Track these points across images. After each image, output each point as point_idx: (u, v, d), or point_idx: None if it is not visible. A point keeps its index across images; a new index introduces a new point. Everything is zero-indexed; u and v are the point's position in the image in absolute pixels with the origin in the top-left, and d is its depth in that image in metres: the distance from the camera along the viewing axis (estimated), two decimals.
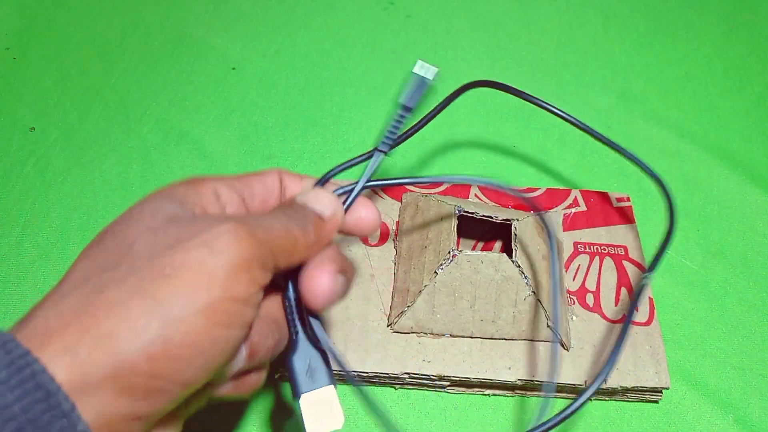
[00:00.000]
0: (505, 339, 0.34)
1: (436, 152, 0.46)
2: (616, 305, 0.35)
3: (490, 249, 0.39)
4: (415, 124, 0.32)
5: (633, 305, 0.33)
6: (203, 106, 0.49)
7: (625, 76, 0.51)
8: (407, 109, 0.28)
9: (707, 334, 0.37)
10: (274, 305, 0.25)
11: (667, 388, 0.33)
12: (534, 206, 0.33)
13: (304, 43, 0.54)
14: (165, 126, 0.47)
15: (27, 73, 0.51)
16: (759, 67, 0.52)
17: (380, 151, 0.28)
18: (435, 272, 0.33)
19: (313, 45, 0.54)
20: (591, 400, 0.34)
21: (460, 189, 0.40)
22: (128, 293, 0.19)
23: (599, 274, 0.37)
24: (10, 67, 0.51)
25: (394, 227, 0.38)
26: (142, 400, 0.19)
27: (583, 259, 0.37)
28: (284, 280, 0.25)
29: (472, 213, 0.35)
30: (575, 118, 0.38)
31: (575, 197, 0.40)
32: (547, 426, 0.27)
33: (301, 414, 0.24)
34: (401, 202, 0.39)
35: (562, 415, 0.27)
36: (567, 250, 0.38)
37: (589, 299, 0.36)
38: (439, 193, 0.40)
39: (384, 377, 0.33)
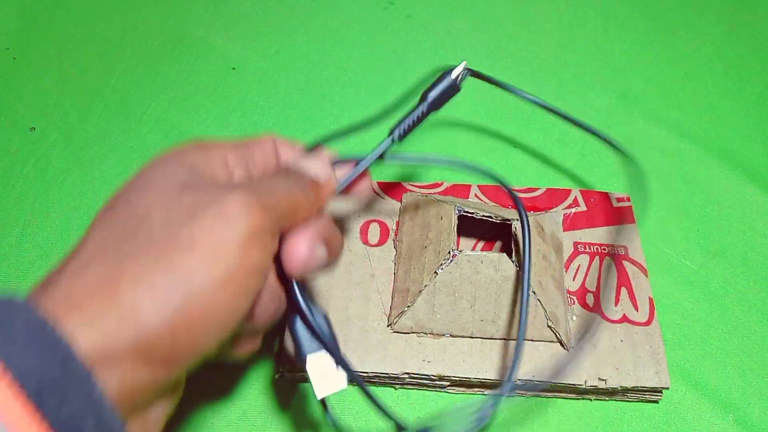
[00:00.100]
0: (505, 339, 0.34)
1: (436, 152, 0.46)
2: (616, 305, 0.35)
3: (490, 249, 0.39)
4: (384, 111, 0.33)
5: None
6: (203, 106, 0.49)
7: (625, 76, 0.51)
8: (430, 105, 0.29)
9: (707, 334, 0.37)
10: (273, 272, 0.25)
11: (667, 388, 0.33)
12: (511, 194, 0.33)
13: (304, 43, 0.54)
14: (165, 126, 0.48)
15: (27, 73, 0.51)
16: (759, 67, 0.52)
17: (392, 137, 0.29)
18: (435, 272, 0.33)
19: (313, 45, 0.54)
20: (591, 400, 0.34)
21: (460, 189, 0.40)
22: (150, 266, 0.19)
23: (599, 274, 0.37)
24: (10, 67, 0.51)
25: (394, 227, 0.38)
26: (161, 369, 0.19)
27: (583, 259, 0.37)
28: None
29: (472, 213, 0.35)
30: (541, 100, 0.37)
31: (575, 197, 0.40)
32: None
33: (308, 374, 0.26)
34: (401, 202, 0.39)
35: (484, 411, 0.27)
36: (567, 250, 0.38)
37: (589, 299, 0.36)
38: (439, 193, 0.40)
39: (384, 377, 0.33)
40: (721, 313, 0.38)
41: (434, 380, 0.33)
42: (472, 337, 0.34)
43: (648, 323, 0.35)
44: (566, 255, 0.37)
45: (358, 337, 0.34)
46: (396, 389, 0.35)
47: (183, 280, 0.19)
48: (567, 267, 0.37)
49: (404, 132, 0.29)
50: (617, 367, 0.33)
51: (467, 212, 0.35)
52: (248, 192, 0.22)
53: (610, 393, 0.34)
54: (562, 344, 0.34)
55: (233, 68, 0.52)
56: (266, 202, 0.22)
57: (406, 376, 0.33)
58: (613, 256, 0.37)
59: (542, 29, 0.55)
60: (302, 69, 0.52)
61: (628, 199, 0.40)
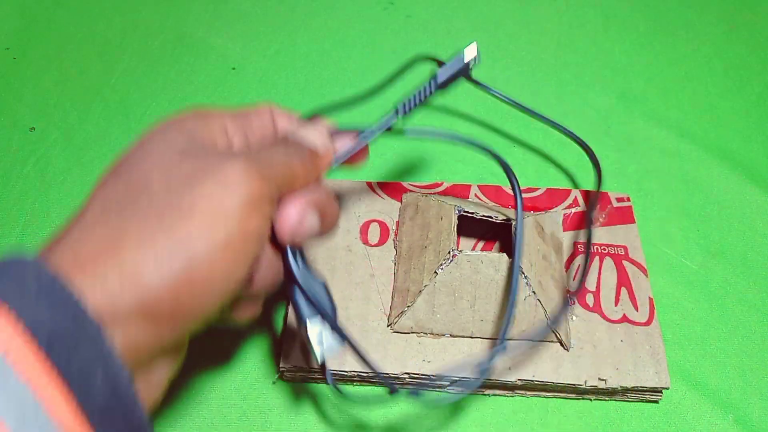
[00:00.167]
0: (505, 339, 0.34)
1: (436, 152, 0.46)
2: (616, 305, 0.35)
3: (490, 249, 0.39)
4: (362, 95, 0.34)
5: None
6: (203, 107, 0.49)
7: (625, 76, 0.51)
8: (438, 84, 0.30)
9: (707, 334, 0.37)
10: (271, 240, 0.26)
11: (667, 388, 0.33)
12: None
13: (304, 43, 0.54)
14: None
15: (27, 73, 0.51)
16: (759, 67, 0.52)
17: (396, 112, 0.30)
18: (435, 272, 0.33)
19: (313, 45, 0.54)
20: (591, 400, 0.34)
21: (460, 189, 0.40)
22: (151, 230, 0.20)
23: (599, 274, 0.37)
24: (10, 67, 0.51)
25: (394, 227, 0.38)
26: (164, 328, 0.20)
27: (583, 259, 0.37)
28: None
29: (472, 213, 0.35)
30: (504, 95, 0.40)
31: (575, 197, 0.40)
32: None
33: (308, 339, 0.26)
34: (401, 202, 0.39)
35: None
36: (567, 250, 0.38)
37: (589, 299, 0.36)
38: (439, 193, 0.40)
39: (384, 377, 0.33)
40: (721, 313, 0.38)
41: (434, 380, 0.33)
42: (472, 337, 0.34)
43: (648, 323, 0.35)
44: (566, 255, 0.37)
45: (358, 337, 0.34)
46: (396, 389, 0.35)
47: (184, 244, 0.20)
48: (567, 267, 0.37)
49: (409, 108, 0.30)
50: (617, 367, 0.33)
51: (467, 212, 0.35)
52: (247, 160, 0.22)
53: (610, 393, 0.34)
54: (562, 344, 0.34)
55: (233, 68, 0.52)
56: (265, 171, 0.22)
57: (406, 376, 0.33)
58: (613, 256, 0.37)
59: (542, 29, 0.55)
60: (302, 69, 0.52)
61: (628, 199, 0.40)
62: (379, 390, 0.35)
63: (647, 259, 0.38)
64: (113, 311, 0.19)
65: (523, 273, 0.33)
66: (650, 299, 0.36)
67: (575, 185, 0.44)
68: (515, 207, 0.31)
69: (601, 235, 0.38)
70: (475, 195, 0.40)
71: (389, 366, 0.33)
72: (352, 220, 0.39)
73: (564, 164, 0.45)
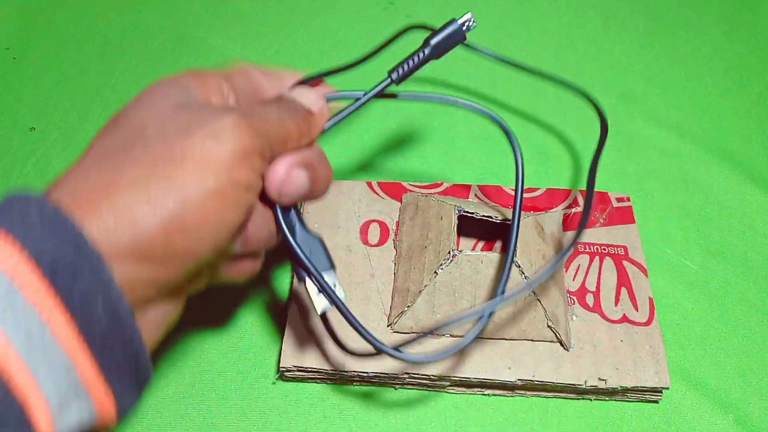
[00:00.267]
0: (505, 339, 0.34)
1: (436, 152, 0.46)
2: (616, 305, 0.35)
3: (490, 249, 0.39)
4: (354, 62, 0.33)
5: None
6: None
7: (625, 76, 0.51)
8: (432, 49, 0.30)
9: (707, 334, 0.37)
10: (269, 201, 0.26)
11: (667, 388, 0.33)
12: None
13: (304, 43, 0.54)
14: None
15: (27, 73, 0.51)
16: (759, 67, 0.52)
17: (390, 77, 0.30)
18: (435, 272, 0.33)
19: (313, 45, 0.54)
20: (591, 400, 0.34)
21: (460, 189, 0.40)
22: (144, 174, 0.21)
23: (599, 274, 0.37)
24: (10, 67, 0.51)
25: (394, 227, 0.38)
26: (158, 267, 0.21)
27: (583, 259, 0.37)
28: None
29: (472, 213, 0.35)
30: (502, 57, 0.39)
31: (575, 197, 0.40)
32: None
33: (309, 294, 0.27)
34: (401, 202, 0.39)
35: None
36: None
37: (589, 299, 0.36)
38: (439, 193, 0.40)
39: (384, 377, 0.33)
40: (721, 313, 0.38)
41: (434, 380, 0.33)
42: None
43: (648, 323, 0.35)
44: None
45: (358, 337, 0.34)
46: (396, 389, 0.35)
47: (176, 189, 0.21)
48: (567, 267, 0.37)
49: (402, 74, 0.30)
50: (617, 367, 0.33)
51: (467, 212, 0.35)
52: (240, 115, 0.23)
53: (610, 393, 0.34)
54: (562, 344, 0.34)
55: None
56: (257, 126, 0.23)
57: (406, 376, 0.33)
58: (613, 256, 0.37)
59: (542, 29, 0.55)
60: (302, 69, 0.52)
61: (628, 199, 0.40)
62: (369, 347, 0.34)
63: (647, 259, 0.38)
64: (109, 248, 0.20)
65: (523, 273, 0.33)
66: (650, 299, 0.36)
67: (575, 185, 0.44)
68: (516, 170, 0.32)
69: (601, 235, 0.38)
70: (475, 195, 0.40)
71: (389, 366, 0.33)
72: (352, 220, 0.39)
73: (564, 164, 0.45)
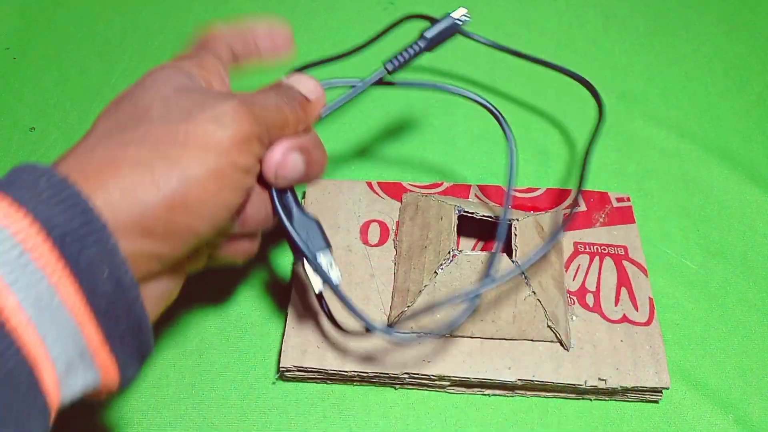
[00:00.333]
0: (505, 339, 0.34)
1: (436, 152, 0.46)
2: (616, 305, 0.35)
3: (490, 249, 0.39)
4: (348, 52, 0.37)
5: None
6: None
7: (625, 76, 0.51)
8: (427, 41, 0.32)
9: (707, 334, 0.37)
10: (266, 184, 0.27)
11: (667, 388, 0.33)
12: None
13: (304, 43, 0.54)
14: None
15: (27, 73, 0.51)
16: (759, 67, 0.52)
17: (385, 68, 0.31)
18: (435, 272, 0.33)
19: (313, 45, 0.54)
20: (591, 400, 0.34)
21: (460, 189, 0.40)
22: (148, 153, 0.22)
23: (599, 274, 0.37)
24: (10, 67, 0.51)
25: (394, 227, 0.38)
26: (160, 243, 0.22)
27: (583, 259, 0.37)
28: None
29: (472, 213, 0.35)
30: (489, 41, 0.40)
31: (575, 197, 0.40)
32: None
33: (306, 273, 0.29)
34: (401, 202, 0.39)
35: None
36: (567, 250, 0.38)
37: (589, 299, 0.36)
38: (439, 193, 0.40)
39: (384, 377, 0.33)
40: (721, 313, 0.38)
41: (434, 380, 0.33)
42: (472, 337, 0.34)
43: (648, 323, 0.35)
44: (566, 255, 0.37)
45: (358, 336, 0.34)
46: (396, 389, 0.35)
47: (179, 169, 0.22)
48: (567, 267, 0.37)
49: (397, 65, 0.31)
50: (617, 367, 0.33)
51: (467, 212, 0.36)
52: (240, 101, 0.24)
53: (610, 393, 0.34)
54: (562, 344, 0.34)
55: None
56: (257, 112, 0.24)
57: (406, 376, 0.33)
58: (613, 256, 0.37)
59: (542, 29, 0.55)
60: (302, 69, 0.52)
61: (628, 199, 0.40)
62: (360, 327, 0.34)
63: (647, 259, 0.38)
64: (114, 221, 0.20)
65: (523, 273, 0.33)
66: (650, 299, 0.36)
67: (575, 185, 0.44)
68: (510, 154, 0.33)
69: (601, 235, 0.38)
70: (475, 195, 0.40)
71: (389, 366, 0.33)
72: (352, 220, 0.39)
73: (564, 164, 0.45)
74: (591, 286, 0.36)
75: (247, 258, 0.29)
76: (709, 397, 0.35)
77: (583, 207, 0.40)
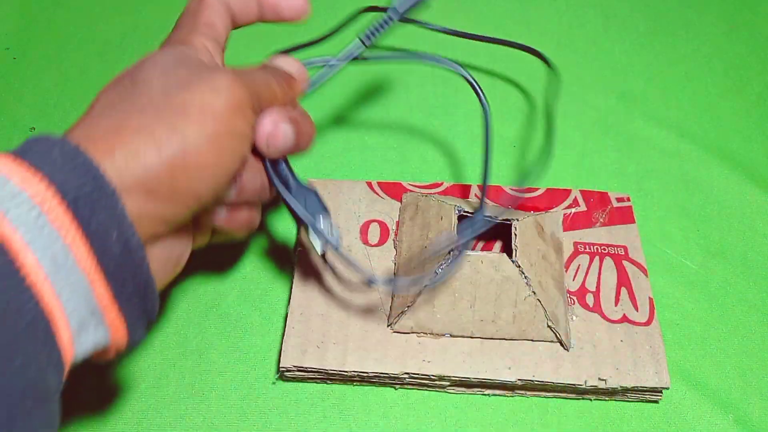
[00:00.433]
0: (505, 339, 0.34)
1: (436, 152, 0.46)
2: (616, 305, 0.35)
3: (490, 249, 0.39)
4: (315, 41, 0.40)
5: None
6: None
7: (625, 76, 0.51)
8: (396, 13, 0.34)
9: (707, 334, 0.37)
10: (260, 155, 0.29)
11: (667, 388, 0.33)
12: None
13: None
14: None
15: (27, 73, 0.51)
16: (759, 67, 0.52)
17: (360, 39, 0.34)
18: (435, 272, 0.33)
19: (313, 44, 0.53)
20: (591, 400, 0.34)
21: (460, 189, 0.40)
22: (149, 121, 0.23)
23: (599, 274, 0.37)
24: (10, 67, 0.51)
25: (394, 227, 0.38)
26: (164, 204, 0.23)
27: (583, 259, 0.37)
28: None
29: (472, 213, 0.35)
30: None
31: (575, 197, 0.40)
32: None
33: (309, 238, 0.31)
34: (401, 202, 0.39)
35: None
36: (567, 250, 0.38)
37: (589, 299, 0.36)
38: (439, 193, 0.40)
39: (384, 377, 0.33)
40: (721, 313, 0.38)
41: (434, 380, 0.33)
42: (472, 337, 0.34)
43: (648, 323, 0.35)
44: (566, 255, 0.37)
45: (358, 337, 0.34)
46: (396, 389, 0.35)
47: (179, 134, 0.23)
48: (567, 267, 0.37)
49: (371, 35, 0.34)
50: (617, 367, 0.33)
51: (467, 212, 0.36)
52: (233, 73, 0.26)
53: (610, 393, 0.34)
54: (562, 344, 0.34)
55: None
56: (249, 84, 0.26)
57: (406, 376, 0.33)
58: (613, 256, 0.37)
59: (542, 29, 0.55)
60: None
61: (628, 199, 0.40)
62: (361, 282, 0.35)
63: (647, 259, 0.38)
64: (121, 185, 0.22)
65: (523, 273, 0.33)
66: (650, 299, 0.36)
67: (575, 185, 0.44)
68: (484, 118, 0.34)
69: (601, 235, 0.38)
70: (475, 195, 0.40)
71: (389, 366, 0.33)
72: (352, 220, 0.39)
73: (564, 164, 0.45)
74: (591, 286, 0.36)
75: (247, 231, 0.31)
76: (709, 397, 0.35)
77: (583, 207, 0.40)
